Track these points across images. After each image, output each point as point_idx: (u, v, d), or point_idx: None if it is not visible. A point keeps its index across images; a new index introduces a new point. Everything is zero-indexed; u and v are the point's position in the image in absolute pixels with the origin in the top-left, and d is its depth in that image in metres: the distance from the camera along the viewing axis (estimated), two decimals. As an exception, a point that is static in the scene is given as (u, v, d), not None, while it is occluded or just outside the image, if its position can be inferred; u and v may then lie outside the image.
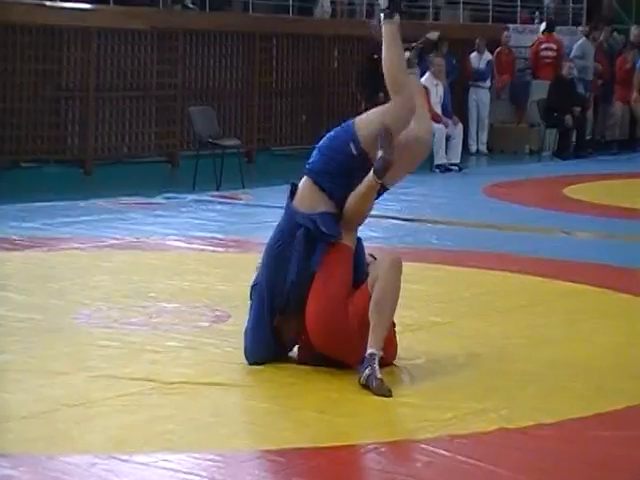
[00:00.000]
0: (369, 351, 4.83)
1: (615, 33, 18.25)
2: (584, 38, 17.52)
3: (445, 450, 4.08)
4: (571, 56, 17.15)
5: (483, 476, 3.87)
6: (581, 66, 17.07)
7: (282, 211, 5.33)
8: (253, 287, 5.20)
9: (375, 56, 5.18)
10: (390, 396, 4.68)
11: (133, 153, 14.75)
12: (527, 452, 4.15)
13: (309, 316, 4.97)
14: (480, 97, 17.25)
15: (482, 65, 17.26)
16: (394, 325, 5.09)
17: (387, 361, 5.00)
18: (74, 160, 13.91)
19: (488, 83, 17.30)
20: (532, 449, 4.18)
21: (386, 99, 5.09)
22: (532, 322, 6.16)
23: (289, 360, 5.20)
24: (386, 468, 3.94)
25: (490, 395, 4.80)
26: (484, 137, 17.41)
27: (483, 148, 17.42)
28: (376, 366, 4.75)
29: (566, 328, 6.04)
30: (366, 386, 4.74)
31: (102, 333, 5.67)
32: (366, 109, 5.14)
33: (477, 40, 17.22)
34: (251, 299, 5.19)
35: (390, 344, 5.05)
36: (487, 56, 17.32)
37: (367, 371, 4.76)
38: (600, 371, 5.21)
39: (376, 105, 5.12)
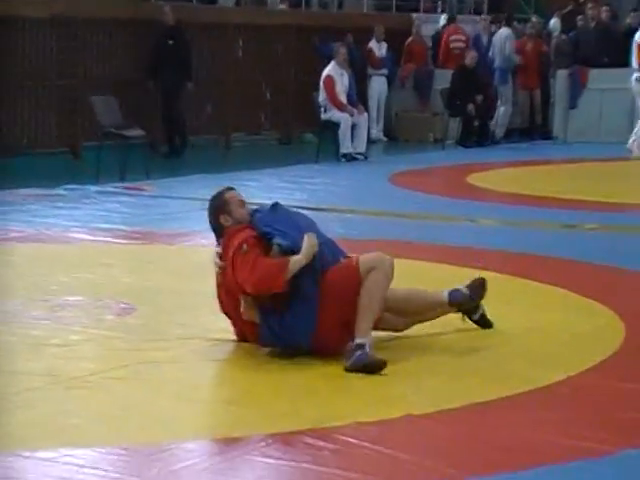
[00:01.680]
0: (358, 341, 4.93)
1: (515, 23, 18.47)
2: (507, 28, 17.53)
3: (352, 437, 4.09)
4: (496, 47, 17.22)
5: (389, 462, 3.90)
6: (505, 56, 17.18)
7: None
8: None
9: None
10: (384, 365, 4.87)
11: (33, 144, 14.50)
12: (433, 438, 4.19)
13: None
14: (380, 85, 17.31)
15: (382, 53, 17.33)
16: None
17: None
18: (-27, 151, 13.65)
19: (386, 71, 17.36)
20: (438, 434, 4.22)
21: None
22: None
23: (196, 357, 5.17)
24: (293, 457, 3.94)
25: (396, 382, 4.83)
26: (381, 124, 17.54)
27: (380, 135, 17.55)
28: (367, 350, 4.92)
29: (470, 314, 6.09)
30: (356, 366, 4.86)
31: (2, 327, 5.57)
32: None
33: (375, 28, 17.30)
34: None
35: None
36: (384, 44, 17.39)
37: (358, 353, 4.88)
38: (504, 357, 5.28)
39: None
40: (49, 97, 14.26)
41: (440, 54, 18.28)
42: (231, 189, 5.47)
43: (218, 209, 5.32)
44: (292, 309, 5.05)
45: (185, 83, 14.92)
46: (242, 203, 5.36)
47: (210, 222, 5.35)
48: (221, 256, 5.19)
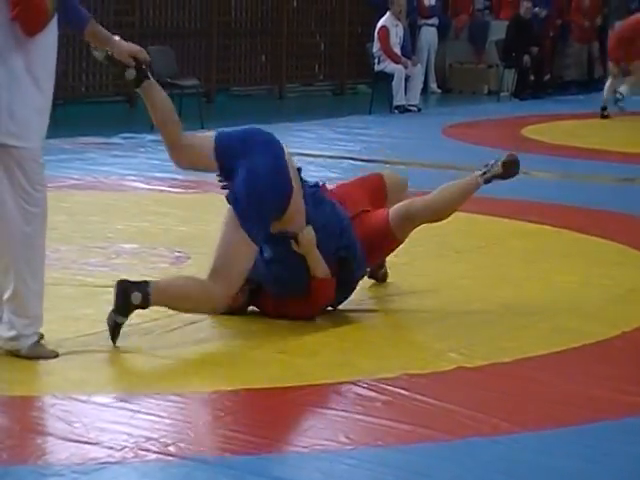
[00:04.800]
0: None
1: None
2: None
3: (403, 389, 4.11)
4: None
5: (441, 415, 3.91)
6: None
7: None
8: None
9: None
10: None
11: (91, 92, 14.59)
12: (486, 391, 4.19)
13: None
14: (430, 36, 17.09)
15: (432, 2, 17.09)
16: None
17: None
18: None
19: (436, 21, 17.15)
20: (490, 388, 4.22)
21: None
22: (490, 262, 6.21)
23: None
24: (345, 408, 3.96)
25: (448, 335, 4.84)
26: (433, 75, 17.37)
27: (435, 87, 17.42)
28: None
29: (524, 268, 6.08)
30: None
31: (60, 274, 5.64)
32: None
33: None
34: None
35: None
36: None
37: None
38: (557, 311, 5.26)
39: None
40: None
41: (493, 2, 18.06)
42: None
43: None
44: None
45: None
46: None
47: None
48: None
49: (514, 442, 3.68)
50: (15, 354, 4.34)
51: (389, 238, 5.18)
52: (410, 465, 3.50)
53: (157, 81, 4.94)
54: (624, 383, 4.26)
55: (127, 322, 4.60)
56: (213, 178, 5.00)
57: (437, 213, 5.30)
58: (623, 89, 13.68)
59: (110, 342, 4.56)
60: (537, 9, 16.95)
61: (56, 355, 4.37)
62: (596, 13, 17.30)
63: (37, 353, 4.34)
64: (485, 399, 4.09)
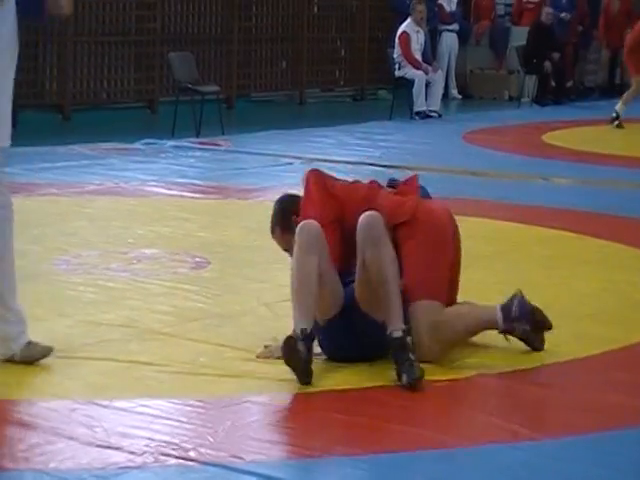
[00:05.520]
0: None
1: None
2: None
3: (424, 395, 4.10)
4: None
5: (462, 421, 3.91)
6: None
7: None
8: None
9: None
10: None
11: (112, 98, 14.65)
12: (505, 397, 4.18)
13: None
14: (451, 41, 17.05)
15: (452, 7, 17.07)
16: None
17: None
18: (52, 105, 13.81)
19: (457, 27, 17.11)
20: (509, 394, 4.21)
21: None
22: (511, 268, 6.19)
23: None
24: (364, 413, 3.96)
25: (468, 341, 4.83)
26: (453, 81, 17.35)
27: (455, 93, 17.40)
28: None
29: (544, 274, 6.07)
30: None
31: (81, 279, 5.67)
32: None
33: None
34: None
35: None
36: None
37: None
38: (578, 317, 5.24)
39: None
40: (128, 53, 14.38)
41: (514, 9, 18.04)
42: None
43: None
44: None
45: None
46: None
47: None
48: None
49: (534, 449, 3.68)
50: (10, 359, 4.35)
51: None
52: (429, 472, 3.50)
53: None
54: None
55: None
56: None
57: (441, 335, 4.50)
58: (618, 107, 13.47)
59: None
60: (564, 14, 16.90)
61: (50, 349, 4.38)
62: (624, 19, 17.22)
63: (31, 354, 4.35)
64: (504, 405, 4.08)
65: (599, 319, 5.20)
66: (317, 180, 4.76)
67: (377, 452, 3.62)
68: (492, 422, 3.88)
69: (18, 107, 14.99)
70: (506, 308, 4.61)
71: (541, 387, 4.29)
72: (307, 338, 4.22)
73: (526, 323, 4.58)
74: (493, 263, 6.33)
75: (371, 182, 4.84)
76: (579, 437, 3.80)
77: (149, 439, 3.66)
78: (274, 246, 4.91)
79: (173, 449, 3.59)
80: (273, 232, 4.83)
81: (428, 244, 4.59)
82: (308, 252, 4.37)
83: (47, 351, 4.38)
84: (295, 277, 4.39)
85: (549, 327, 4.62)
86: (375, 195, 4.72)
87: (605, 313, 5.30)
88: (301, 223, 4.48)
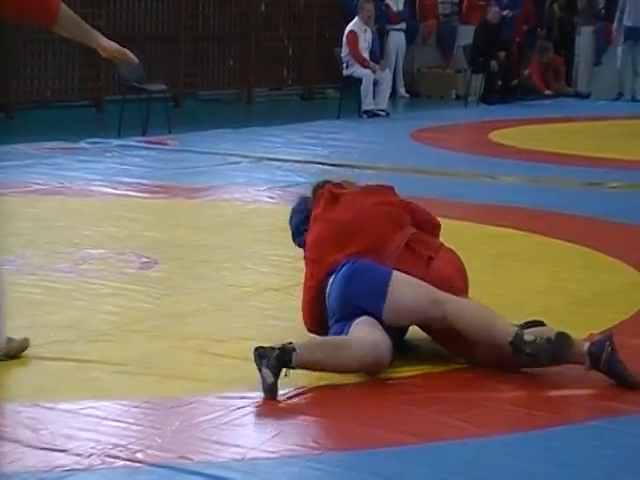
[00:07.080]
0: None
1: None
2: None
3: (372, 393, 4.09)
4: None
5: (410, 418, 3.92)
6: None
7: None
8: None
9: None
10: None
11: (57, 97, 14.51)
12: (451, 395, 4.19)
13: None
14: (398, 40, 17.09)
15: (400, 7, 17.11)
16: None
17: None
18: (-4, 104, 13.67)
19: (404, 26, 17.16)
20: (455, 392, 4.22)
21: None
22: (458, 266, 6.20)
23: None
24: (312, 412, 3.95)
25: (413, 340, 4.83)
26: (402, 80, 17.40)
27: (403, 91, 17.45)
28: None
29: (492, 272, 6.10)
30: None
31: (27, 280, 5.60)
32: None
33: None
34: None
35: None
36: None
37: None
38: (525, 315, 5.25)
39: None
40: (73, 50, 14.25)
41: (464, 7, 18.12)
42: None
43: None
44: None
45: None
46: None
47: None
48: None
49: (481, 445, 3.69)
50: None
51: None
52: (379, 469, 3.50)
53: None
54: (591, 385, 4.27)
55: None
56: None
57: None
58: None
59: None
60: (506, 11, 17.01)
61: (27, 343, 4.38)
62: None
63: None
64: (450, 403, 4.09)
65: (546, 317, 5.21)
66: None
67: (328, 451, 3.61)
68: (439, 419, 3.89)
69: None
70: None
71: (484, 384, 4.30)
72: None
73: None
74: (441, 261, 6.33)
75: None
76: (525, 434, 3.82)
77: (96, 441, 3.63)
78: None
79: (120, 451, 3.56)
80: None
81: None
82: None
83: (25, 344, 4.37)
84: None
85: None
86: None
87: (552, 311, 5.33)
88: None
